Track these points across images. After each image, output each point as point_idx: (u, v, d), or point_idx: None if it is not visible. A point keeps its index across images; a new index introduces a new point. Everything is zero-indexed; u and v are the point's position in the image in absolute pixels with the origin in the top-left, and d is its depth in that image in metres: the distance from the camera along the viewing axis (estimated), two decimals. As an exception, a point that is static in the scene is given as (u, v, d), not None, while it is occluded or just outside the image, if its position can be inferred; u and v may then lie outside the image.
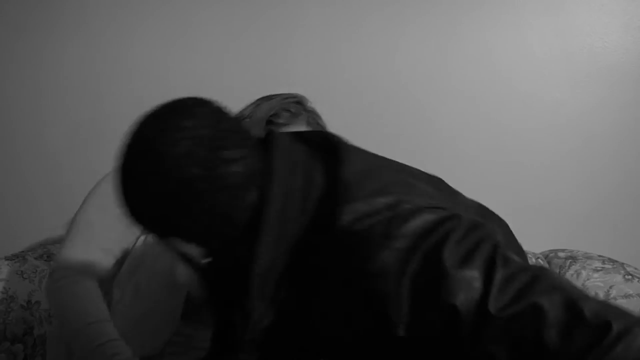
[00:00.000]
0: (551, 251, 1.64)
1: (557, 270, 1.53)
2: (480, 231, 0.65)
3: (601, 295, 1.43)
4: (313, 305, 0.69)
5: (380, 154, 0.77)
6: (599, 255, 1.56)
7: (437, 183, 0.78)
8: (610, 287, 1.44)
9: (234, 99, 1.72)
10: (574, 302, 0.59)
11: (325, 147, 0.71)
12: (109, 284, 1.12)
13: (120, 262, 1.13)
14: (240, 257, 0.68)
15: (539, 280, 0.61)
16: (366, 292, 0.64)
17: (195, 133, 0.65)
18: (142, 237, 1.13)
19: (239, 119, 0.75)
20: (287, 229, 0.66)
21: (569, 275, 1.50)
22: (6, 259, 1.48)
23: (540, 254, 1.63)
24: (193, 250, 0.70)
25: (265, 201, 0.66)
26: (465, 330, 0.60)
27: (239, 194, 0.66)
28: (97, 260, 1.10)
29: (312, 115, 1.26)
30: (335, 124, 1.09)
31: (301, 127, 1.23)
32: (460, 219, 0.65)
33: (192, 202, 0.65)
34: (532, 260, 1.56)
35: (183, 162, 0.64)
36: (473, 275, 0.61)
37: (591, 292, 1.44)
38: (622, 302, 1.41)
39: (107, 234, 1.10)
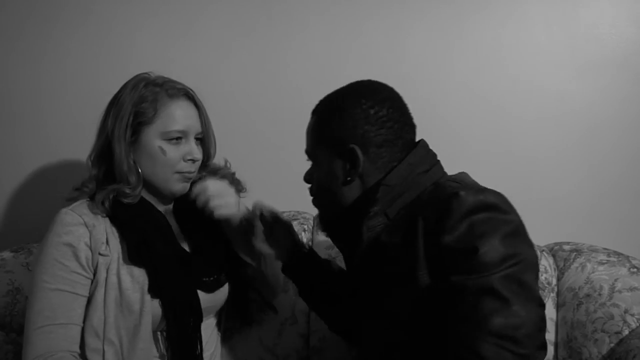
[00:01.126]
0: (556, 244, 1.63)
1: (562, 264, 1.53)
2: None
3: (606, 288, 1.42)
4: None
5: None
6: (604, 248, 1.55)
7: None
8: (616, 280, 1.43)
9: (237, 96, 1.73)
10: None
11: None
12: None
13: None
14: (375, 177, 1.07)
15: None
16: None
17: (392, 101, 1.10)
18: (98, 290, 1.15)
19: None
20: (409, 175, 1.05)
21: (574, 268, 1.49)
22: (11, 251, 1.49)
23: (545, 246, 1.63)
24: (341, 167, 1.08)
25: (410, 152, 1.08)
26: None
27: (401, 139, 1.08)
28: (60, 337, 1.12)
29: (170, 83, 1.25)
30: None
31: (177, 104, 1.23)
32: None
33: (386, 123, 1.06)
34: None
35: (387, 104, 1.07)
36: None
37: (596, 285, 1.43)
38: (627, 295, 1.40)
39: (57, 310, 1.12)
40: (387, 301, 1.01)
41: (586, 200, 1.73)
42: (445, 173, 1.10)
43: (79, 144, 1.68)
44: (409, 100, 1.10)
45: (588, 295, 1.43)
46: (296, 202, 1.72)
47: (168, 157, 1.21)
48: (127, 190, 1.19)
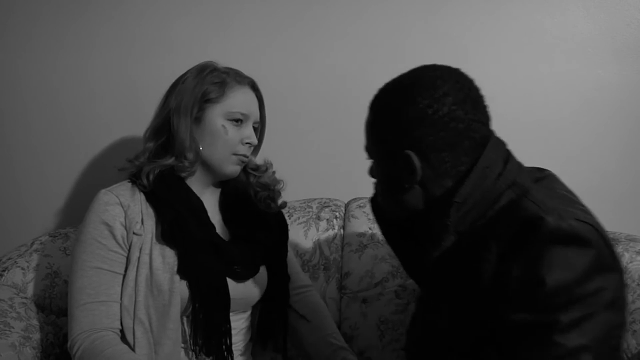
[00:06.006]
0: (592, 233, 1.60)
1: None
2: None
3: (645, 279, 1.39)
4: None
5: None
6: (643, 238, 1.51)
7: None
8: (655, 271, 1.40)
9: (272, 90, 1.71)
10: None
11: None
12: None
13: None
14: (442, 189, 0.95)
15: None
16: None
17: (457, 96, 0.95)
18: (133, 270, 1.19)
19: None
20: (484, 182, 0.93)
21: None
22: (50, 235, 1.53)
23: (581, 235, 1.59)
24: (398, 172, 0.97)
25: (480, 157, 0.94)
26: None
27: (467, 139, 0.95)
28: (102, 314, 1.16)
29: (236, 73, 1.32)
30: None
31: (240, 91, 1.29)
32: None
33: (448, 124, 0.93)
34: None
35: (448, 101, 0.93)
36: None
37: (634, 275, 1.40)
38: (666, 286, 1.37)
39: (97, 288, 1.17)
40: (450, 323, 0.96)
41: (625, 188, 1.69)
42: (521, 170, 0.99)
43: (115, 133, 1.72)
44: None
45: (626, 286, 1.40)
46: (328, 190, 1.72)
47: (229, 136, 1.26)
48: (187, 164, 1.24)
